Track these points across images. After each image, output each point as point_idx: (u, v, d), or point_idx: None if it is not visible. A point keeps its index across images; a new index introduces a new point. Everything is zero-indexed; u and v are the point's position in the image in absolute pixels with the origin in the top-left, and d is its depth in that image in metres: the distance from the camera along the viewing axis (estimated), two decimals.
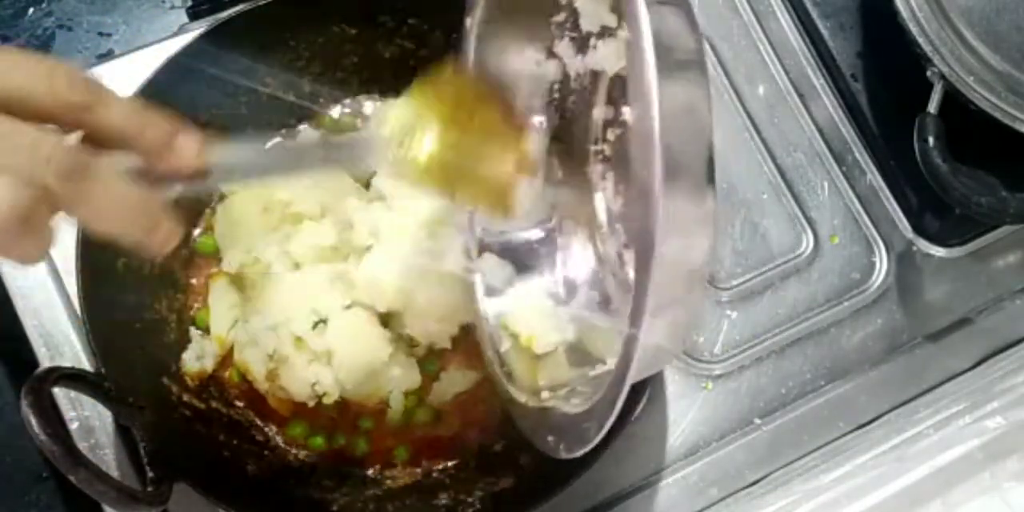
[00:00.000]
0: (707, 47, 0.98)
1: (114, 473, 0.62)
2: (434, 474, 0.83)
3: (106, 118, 0.48)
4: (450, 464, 0.84)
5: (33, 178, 0.44)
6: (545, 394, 0.71)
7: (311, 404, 0.82)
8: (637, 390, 0.74)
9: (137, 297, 0.80)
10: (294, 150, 0.61)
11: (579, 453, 0.61)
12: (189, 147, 0.50)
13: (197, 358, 0.84)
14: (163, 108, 0.49)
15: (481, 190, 0.63)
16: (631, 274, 0.64)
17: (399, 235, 0.80)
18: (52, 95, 0.46)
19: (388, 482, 0.83)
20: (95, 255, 0.76)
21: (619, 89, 0.72)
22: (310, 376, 0.80)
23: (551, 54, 0.73)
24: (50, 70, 0.46)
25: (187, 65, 0.77)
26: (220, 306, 0.84)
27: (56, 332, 0.83)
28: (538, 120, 0.74)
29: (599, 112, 0.74)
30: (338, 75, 0.88)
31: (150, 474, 0.69)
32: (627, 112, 0.70)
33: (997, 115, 0.84)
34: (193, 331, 0.85)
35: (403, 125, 0.59)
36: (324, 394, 0.81)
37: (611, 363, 0.64)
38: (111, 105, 0.48)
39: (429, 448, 0.84)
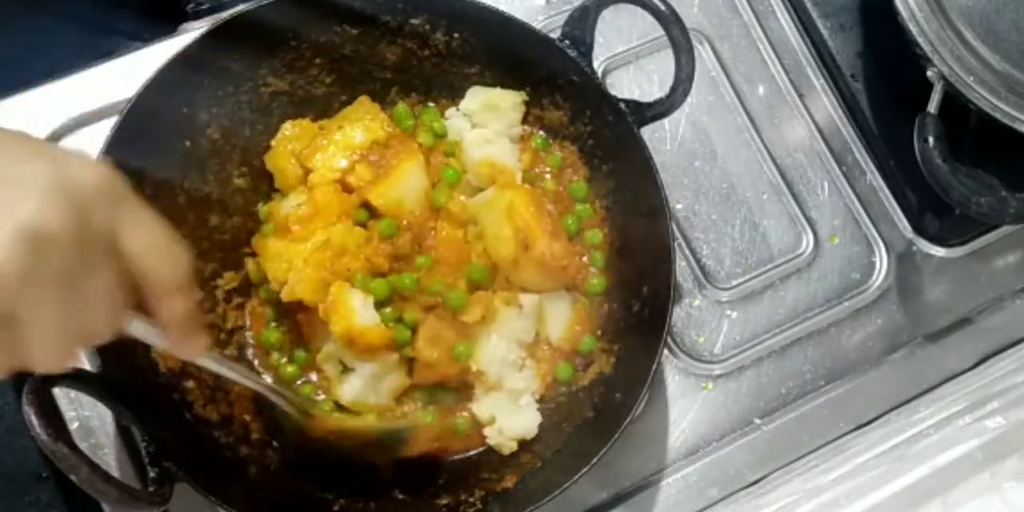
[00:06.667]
0: (707, 47, 0.98)
1: (115, 473, 0.62)
2: (435, 473, 0.83)
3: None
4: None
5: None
6: None
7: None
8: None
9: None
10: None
11: None
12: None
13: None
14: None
15: None
16: None
17: None
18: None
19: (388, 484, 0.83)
20: None
21: None
22: None
23: None
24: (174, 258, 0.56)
25: (188, 65, 0.77)
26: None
27: None
28: None
29: None
30: (340, 75, 0.88)
31: (151, 474, 0.69)
32: None
33: (997, 115, 0.84)
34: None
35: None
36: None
37: None
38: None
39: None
